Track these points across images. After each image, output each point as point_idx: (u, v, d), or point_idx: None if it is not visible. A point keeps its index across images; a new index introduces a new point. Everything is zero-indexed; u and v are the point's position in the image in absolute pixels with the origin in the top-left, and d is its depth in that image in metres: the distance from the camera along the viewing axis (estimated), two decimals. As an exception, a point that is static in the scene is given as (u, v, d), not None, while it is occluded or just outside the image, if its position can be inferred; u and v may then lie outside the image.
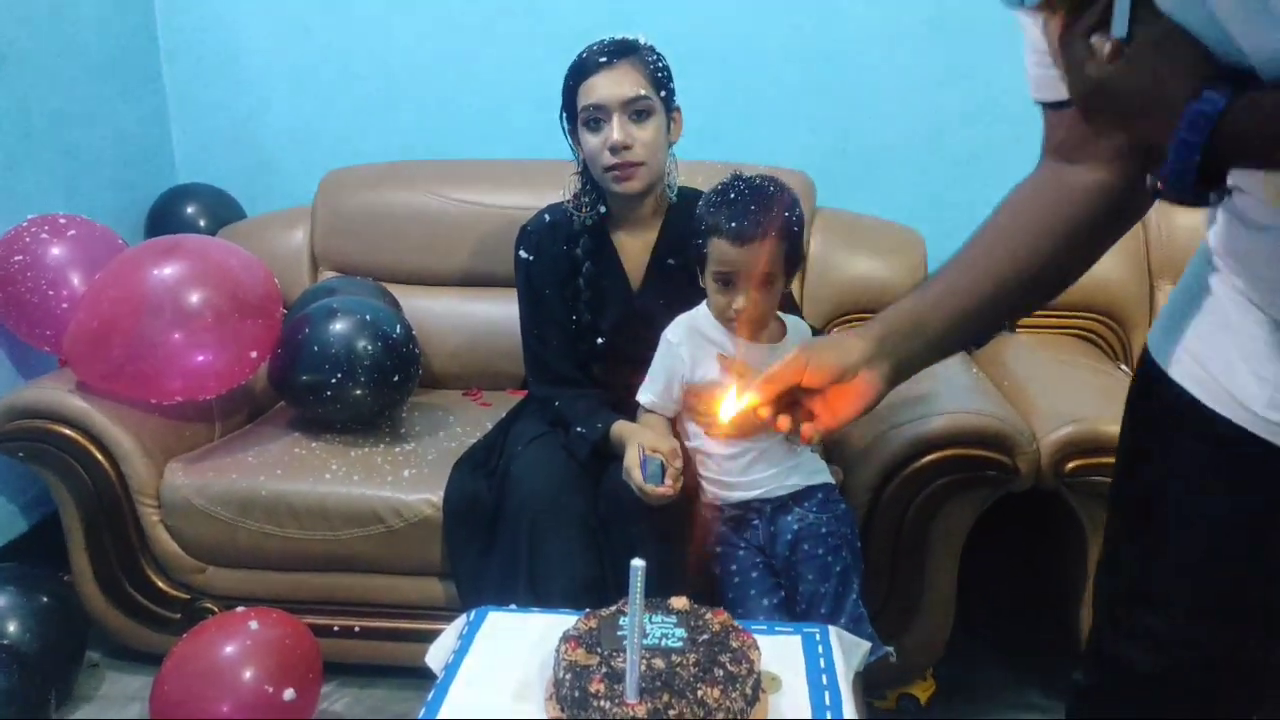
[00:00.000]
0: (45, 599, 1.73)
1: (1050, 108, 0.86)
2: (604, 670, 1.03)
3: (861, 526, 1.58)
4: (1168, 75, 0.66)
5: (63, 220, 1.90)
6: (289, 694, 1.51)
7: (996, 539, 1.70)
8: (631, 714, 0.98)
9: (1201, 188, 0.67)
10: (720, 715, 1.00)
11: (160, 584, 1.78)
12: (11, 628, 1.67)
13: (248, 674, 1.50)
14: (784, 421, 0.93)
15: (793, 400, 0.94)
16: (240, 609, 1.62)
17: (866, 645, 1.29)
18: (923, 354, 0.94)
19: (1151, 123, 0.67)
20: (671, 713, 0.98)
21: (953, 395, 1.63)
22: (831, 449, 1.69)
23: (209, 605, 1.77)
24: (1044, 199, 0.87)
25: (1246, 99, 0.64)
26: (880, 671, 1.46)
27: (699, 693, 1.00)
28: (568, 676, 1.04)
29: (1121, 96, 0.68)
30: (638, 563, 0.98)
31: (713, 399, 0.95)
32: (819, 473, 1.54)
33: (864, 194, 2.24)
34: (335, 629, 1.74)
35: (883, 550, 1.61)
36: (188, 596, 1.79)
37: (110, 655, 1.89)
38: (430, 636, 1.26)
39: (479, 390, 2.17)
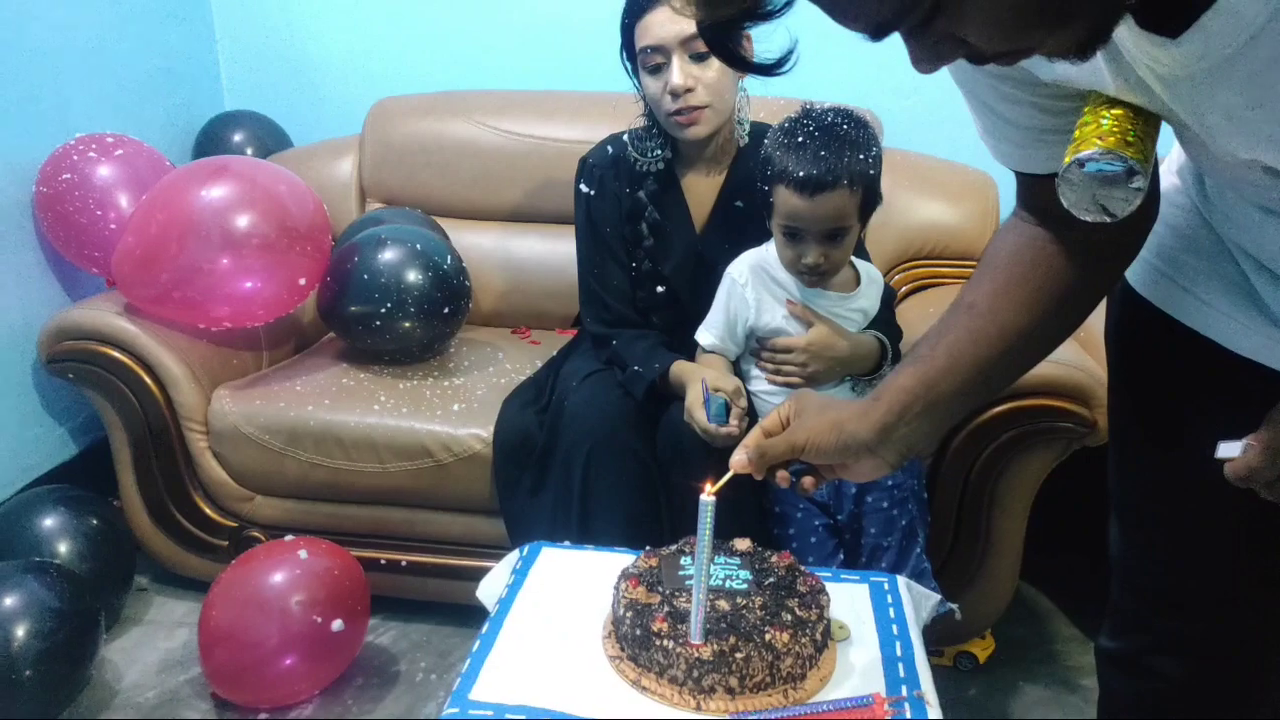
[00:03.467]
0: (95, 521, 1.73)
1: (1030, 176, 0.80)
2: (666, 610, 0.99)
3: (927, 478, 1.52)
4: None
5: (110, 139, 1.87)
6: (337, 624, 1.50)
7: (1067, 492, 1.63)
8: (697, 655, 0.94)
9: None
10: (789, 660, 0.95)
11: (208, 511, 1.78)
12: (62, 549, 1.67)
13: (296, 602, 1.49)
14: (783, 477, 0.90)
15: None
16: (289, 538, 1.61)
17: (935, 597, 1.23)
18: (931, 432, 0.88)
19: None
20: (738, 655, 0.94)
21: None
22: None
23: (256, 534, 1.76)
24: (1040, 259, 0.82)
25: None
26: (939, 628, 1.40)
27: (767, 636, 0.95)
28: (628, 614, 1.00)
29: None
30: (708, 498, 0.93)
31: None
32: (884, 421, 1.47)
33: (933, 134, 2.13)
34: (382, 562, 1.72)
35: (948, 504, 1.55)
36: (235, 524, 1.78)
37: (158, 580, 1.90)
38: (477, 574, 1.23)
39: (527, 329, 2.12)
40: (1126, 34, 0.59)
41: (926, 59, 0.56)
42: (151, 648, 1.73)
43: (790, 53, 0.70)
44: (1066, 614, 1.84)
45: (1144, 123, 0.67)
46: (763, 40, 0.67)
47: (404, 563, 1.73)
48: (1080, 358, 1.51)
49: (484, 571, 1.22)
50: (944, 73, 0.85)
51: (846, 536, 1.45)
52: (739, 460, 0.92)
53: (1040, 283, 0.82)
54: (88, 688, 1.57)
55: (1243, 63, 0.55)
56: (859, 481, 0.95)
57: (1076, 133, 0.68)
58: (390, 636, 1.76)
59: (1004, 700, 1.63)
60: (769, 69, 0.70)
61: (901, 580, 1.19)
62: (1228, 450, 0.70)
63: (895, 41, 0.89)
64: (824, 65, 2.27)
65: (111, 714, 1.57)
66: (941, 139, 2.15)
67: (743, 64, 0.66)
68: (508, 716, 0.93)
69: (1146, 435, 0.92)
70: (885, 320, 1.51)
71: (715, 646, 0.94)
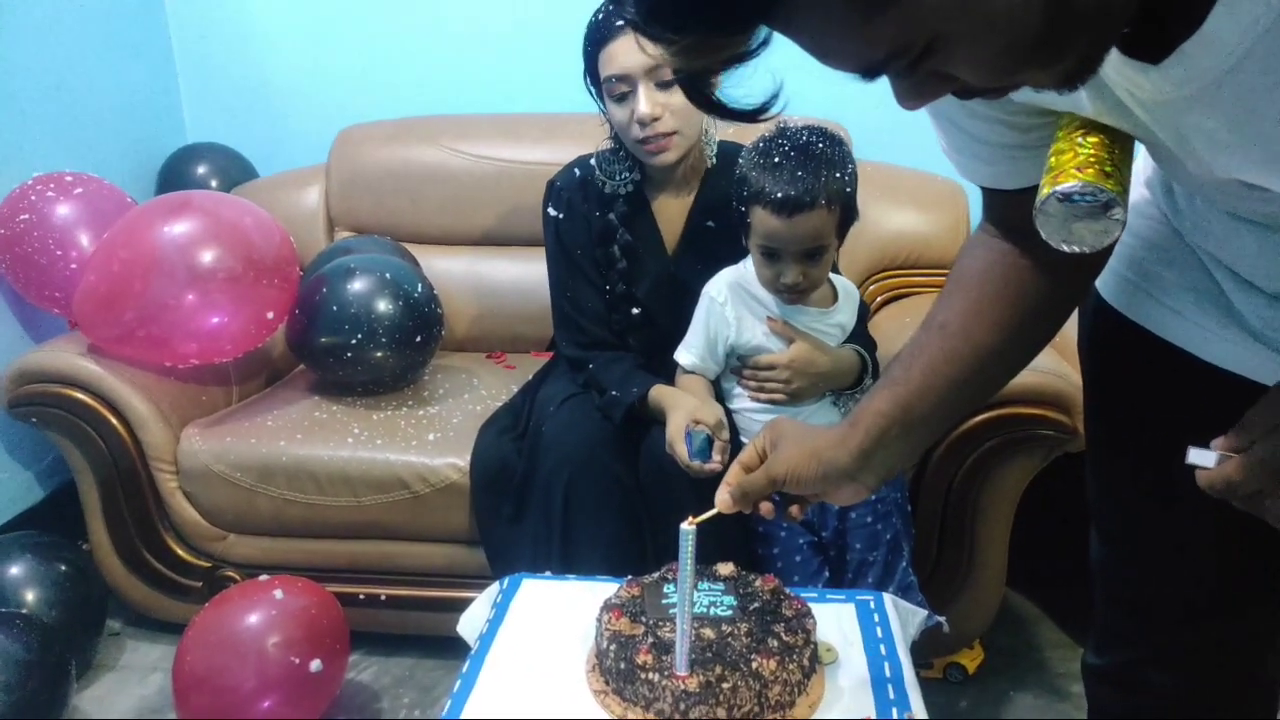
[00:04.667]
0: (63, 567, 1.69)
1: (998, 192, 0.79)
2: (650, 640, 0.97)
3: (910, 490, 1.51)
4: None
5: (69, 178, 1.83)
6: (315, 664, 1.46)
7: (1050, 497, 1.62)
8: (683, 686, 0.92)
9: None
10: (777, 688, 0.93)
11: (180, 552, 1.74)
12: (30, 597, 1.63)
13: (273, 643, 1.45)
14: (767, 509, 0.89)
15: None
16: (264, 577, 1.57)
17: (923, 613, 1.21)
18: (909, 453, 0.87)
19: None
20: (725, 685, 0.92)
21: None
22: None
23: (231, 574, 1.72)
24: (1010, 277, 0.81)
25: None
26: (927, 640, 1.39)
27: (753, 664, 0.93)
28: (612, 647, 0.98)
29: None
30: (688, 526, 0.91)
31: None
32: (865, 435, 1.46)
33: (903, 145, 2.13)
34: (361, 597, 1.69)
35: (931, 515, 1.54)
36: (209, 565, 1.74)
37: (131, 624, 1.85)
38: (457, 605, 1.20)
39: (502, 353, 2.10)
40: (1108, 59, 0.58)
41: (913, 96, 0.55)
42: (125, 694, 1.69)
43: (775, 97, 0.62)
44: (1053, 619, 1.84)
45: (1120, 150, 0.66)
46: (740, 84, 0.62)
47: (383, 597, 1.70)
48: (1058, 365, 1.51)
49: (466, 602, 1.19)
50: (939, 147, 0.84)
51: (831, 553, 1.44)
52: (723, 500, 0.91)
53: (1012, 300, 0.81)
54: (59, 741, 1.53)
55: (1224, 89, 0.55)
56: (840, 504, 0.94)
57: (1052, 160, 0.66)
58: (371, 673, 1.73)
59: (995, 711, 1.62)
60: (752, 115, 0.63)
61: (888, 598, 1.18)
62: (1199, 458, 0.69)
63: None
64: (791, 79, 2.29)
65: (85, 767, 1.53)
66: (911, 150, 2.13)
67: (724, 112, 0.61)
68: (491, 758, 0.91)
69: (1122, 445, 0.91)
70: (860, 334, 1.50)
71: (701, 677, 0.92)
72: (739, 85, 0.61)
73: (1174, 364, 0.82)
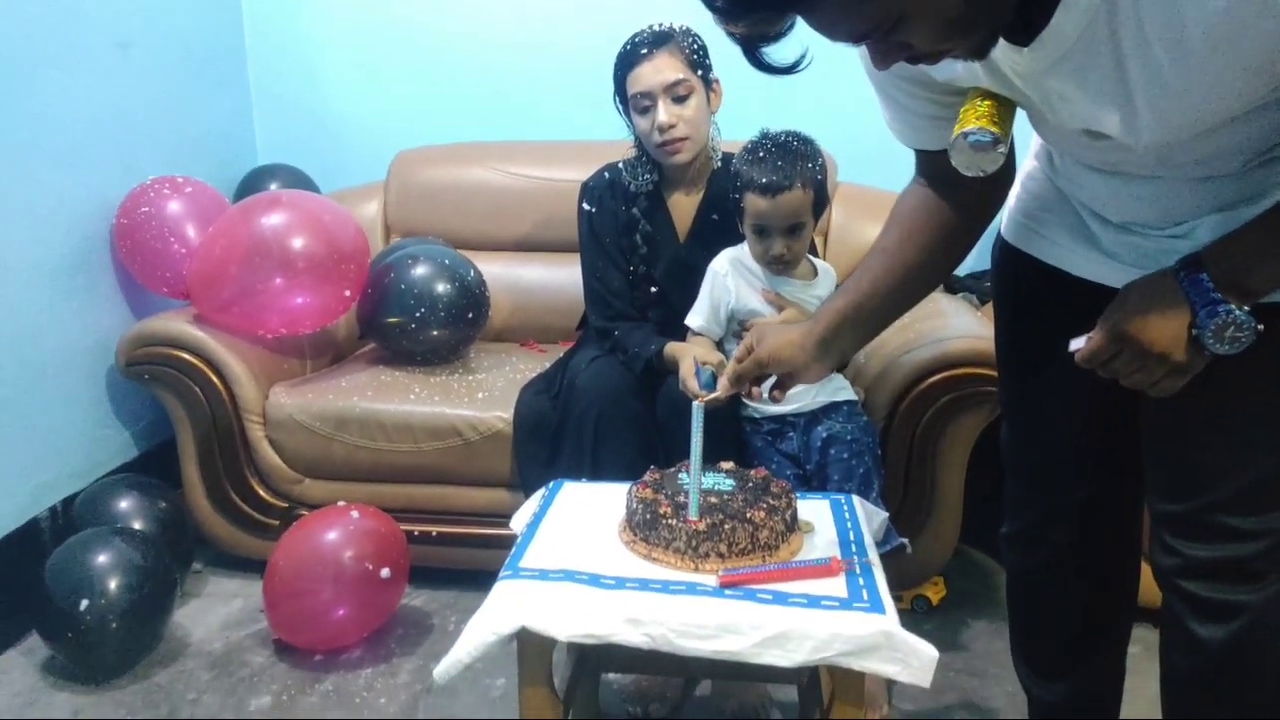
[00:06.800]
0: (163, 504, 1.98)
1: (926, 152, 1.11)
2: (669, 502, 1.27)
3: (881, 439, 1.81)
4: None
5: (181, 179, 2.18)
6: (385, 572, 1.75)
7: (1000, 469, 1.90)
8: (695, 529, 1.22)
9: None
10: (765, 532, 1.23)
11: (262, 493, 2.03)
12: (137, 525, 1.91)
13: (350, 554, 1.74)
14: (756, 392, 1.27)
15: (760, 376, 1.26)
16: (341, 503, 1.86)
17: (884, 514, 1.51)
18: (859, 340, 1.22)
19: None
20: (727, 527, 1.22)
21: (955, 326, 1.86)
22: (854, 373, 1.93)
23: (303, 513, 2.00)
24: (932, 213, 1.13)
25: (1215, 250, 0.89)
26: (896, 572, 1.66)
27: (748, 514, 1.23)
28: (639, 507, 1.28)
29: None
30: (699, 404, 1.23)
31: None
32: (844, 390, 1.78)
33: (880, 169, 2.46)
34: (415, 534, 1.97)
35: (899, 459, 1.84)
36: (285, 505, 2.03)
37: (211, 564, 2.14)
38: (500, 541, 1.48)
39: (534, 342, 2.42)
40: (997, 45, 0.89)
41: (883, 57, 0.84)
42: (213, 613, 1.97)
43: (802, 57, 0.87)
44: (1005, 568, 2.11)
45: (1005, 108, 0.97)
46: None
47: (435, 534, 1.99)
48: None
49: (507, 539, 1.43)
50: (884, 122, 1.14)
51: (815, 484, 1.73)
52: (722, 385, 1.24)
53: (934, 228, 1.14)
54: (161, 643, 1.81)
55: (1068, 61, 0.86)
56: (810, 383, 1.26)
57: (961, 115, 0.98)
58: (423, 599, 2.01)
59: (955, 632, 1.90)
60: (788, 70, 0.87)
61: (856, 499, 1.48)
62: (1076, 344, 1.01)
63: (848, 91, 1.16)
64: (786, 113, 2.65)
65: (186, 661, 1.81)
66: (888, 173, 2.47)
67: (769, 69, 0.88)
68: (550, 577, 1.20)
69: (1021, 346, 1.23)
70: (838, 307, 1.82)
71: (709, 521, 1.22)
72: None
73: (1055, 281, 1.14)
